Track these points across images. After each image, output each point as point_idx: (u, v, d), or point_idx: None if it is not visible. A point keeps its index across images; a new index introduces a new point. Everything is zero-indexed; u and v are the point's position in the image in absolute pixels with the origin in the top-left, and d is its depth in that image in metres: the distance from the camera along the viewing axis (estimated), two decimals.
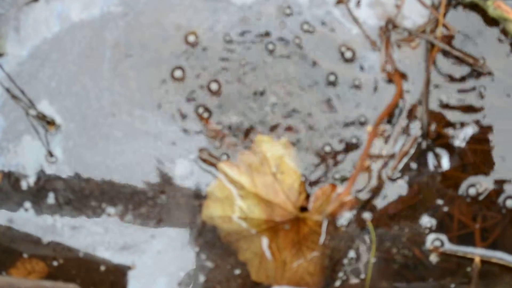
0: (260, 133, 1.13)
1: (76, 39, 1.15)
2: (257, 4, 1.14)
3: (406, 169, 1.12)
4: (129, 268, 1.15)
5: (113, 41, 1.15)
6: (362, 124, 1.12)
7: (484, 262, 1.10)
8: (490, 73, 1.11)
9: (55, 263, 1.15)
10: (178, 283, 1.15)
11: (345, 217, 1.12)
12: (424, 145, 1.11)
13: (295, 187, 1.11)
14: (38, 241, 1.15)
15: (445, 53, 1.11)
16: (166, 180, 1.14)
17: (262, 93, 1.13)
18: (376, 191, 1.12)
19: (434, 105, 1.11)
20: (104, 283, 1.15)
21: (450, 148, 1.11)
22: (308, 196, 1.12)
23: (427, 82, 1.10)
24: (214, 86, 1.13)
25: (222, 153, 1.13)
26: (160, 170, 1.14)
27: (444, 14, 1.11)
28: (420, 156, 1.12)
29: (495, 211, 1.11)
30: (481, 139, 1.11)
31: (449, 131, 1.11)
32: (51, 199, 1.15)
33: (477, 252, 1.11)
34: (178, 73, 1.14)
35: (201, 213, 1.14)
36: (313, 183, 1.12)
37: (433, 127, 1.11)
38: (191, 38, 1.14)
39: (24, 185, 1.15)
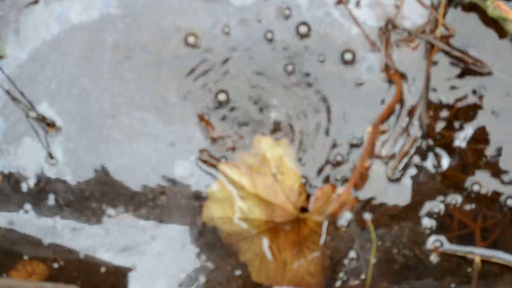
0: (261, 134, 1.13)
1: (76, 41, 1.15)
2: (257, 5, 1.14)
3: (406, 169, 1.12)
4: (129, 269, 1.15)
5: (112, 43, 1.15)
6: (362, 125, 1.12)
7: (485, 261, 1.10)
8: (489, 73, 1.11)
9: (55, 265, 1.15)
10: (179, 284, 1.15)
11: (346, 217, 1.12)
12: (424, 145, 1.11)
13: (295, 188, 1.11)
14: (39, 243, 1.15)
15: (445, 53, 1.11)
16: (166, 182, 1.14)
17: (263, 95, 1.13)
18: (376, 192, 1.12)
19: (434, 105, 1.11)
20: (104, 285, 1.15)
21: (450, 148, 1.11)
22: (308, 197, 1.12)
23: (427, 82, 1.10)
24: (214, 88, 1.13)
25: (222, 154, 1.13)
26: (160, 172, 1.14)
27: (444, 14, 1.11)
28: (420, 156, 1.12)
29: (496, 210, 1.11)
30: (481, 139, 1.11)
31: (449, 131, 1.11)
32: (51, 200, 1.15)
33: (478, 252, 1.11)
34: (177, 74, 1.14)
35: (202, 214, 1.14)
36: (313, 184, 1.12)
37: (433, 127, 1.11)
38: (191, 40, 1.14)
39: (24, 187, 1.15)
